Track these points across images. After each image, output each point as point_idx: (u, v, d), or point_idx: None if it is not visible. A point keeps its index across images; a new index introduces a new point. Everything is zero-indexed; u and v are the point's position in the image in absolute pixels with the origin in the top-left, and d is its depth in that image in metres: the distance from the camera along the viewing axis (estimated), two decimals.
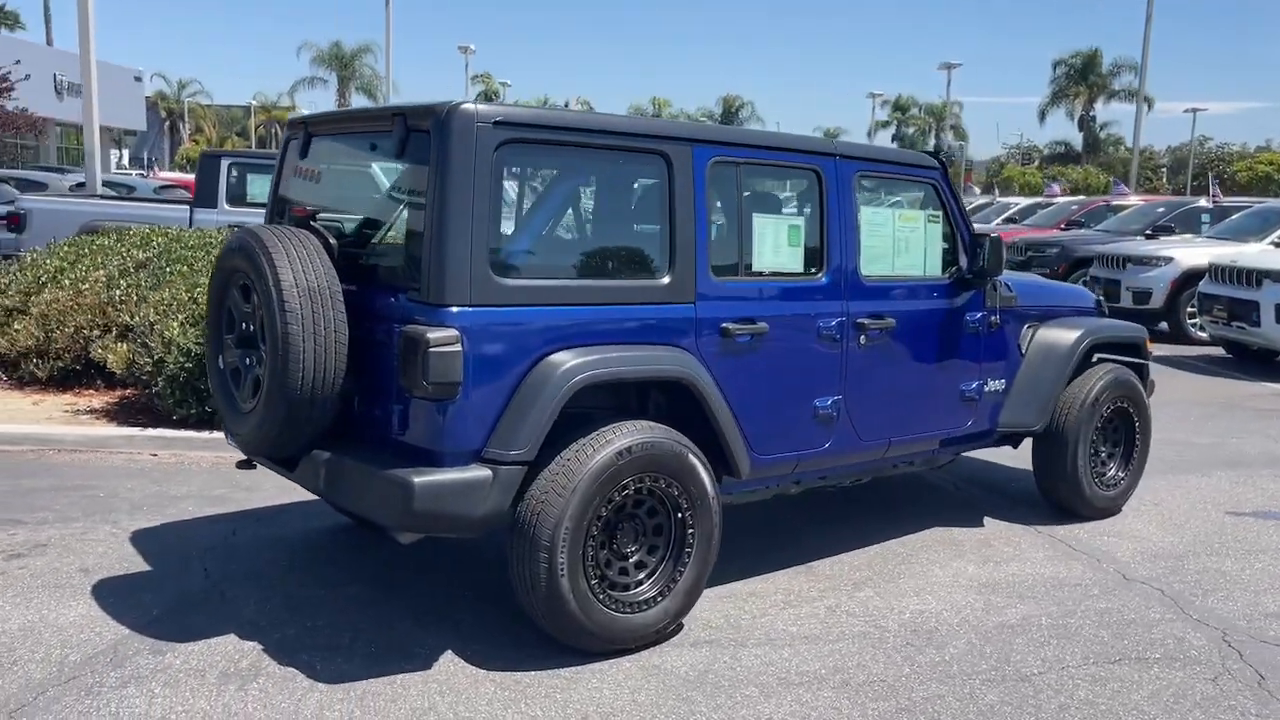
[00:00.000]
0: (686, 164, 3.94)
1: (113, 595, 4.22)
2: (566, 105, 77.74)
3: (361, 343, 3.61)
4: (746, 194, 4.25)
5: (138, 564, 4.59)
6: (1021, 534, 5.36)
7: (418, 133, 3.57)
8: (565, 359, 3.59)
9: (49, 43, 52.98)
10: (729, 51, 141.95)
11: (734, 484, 4.29)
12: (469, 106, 3.48)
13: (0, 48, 35.98)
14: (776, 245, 4.29)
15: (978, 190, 37.22)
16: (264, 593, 4.28)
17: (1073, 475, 5.46)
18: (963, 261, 4.98)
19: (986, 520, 5.56)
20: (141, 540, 4.87)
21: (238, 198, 11.03)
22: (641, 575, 3.85)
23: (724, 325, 4.04)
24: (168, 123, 74.49)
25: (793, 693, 3.56)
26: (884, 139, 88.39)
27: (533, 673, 3.62)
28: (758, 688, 3.59)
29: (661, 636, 3.88)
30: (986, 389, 5.15)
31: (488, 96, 67.73)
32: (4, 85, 31.90)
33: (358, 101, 70.60)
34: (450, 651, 3.77)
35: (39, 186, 16.69)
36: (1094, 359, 5.60)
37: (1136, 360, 5.85)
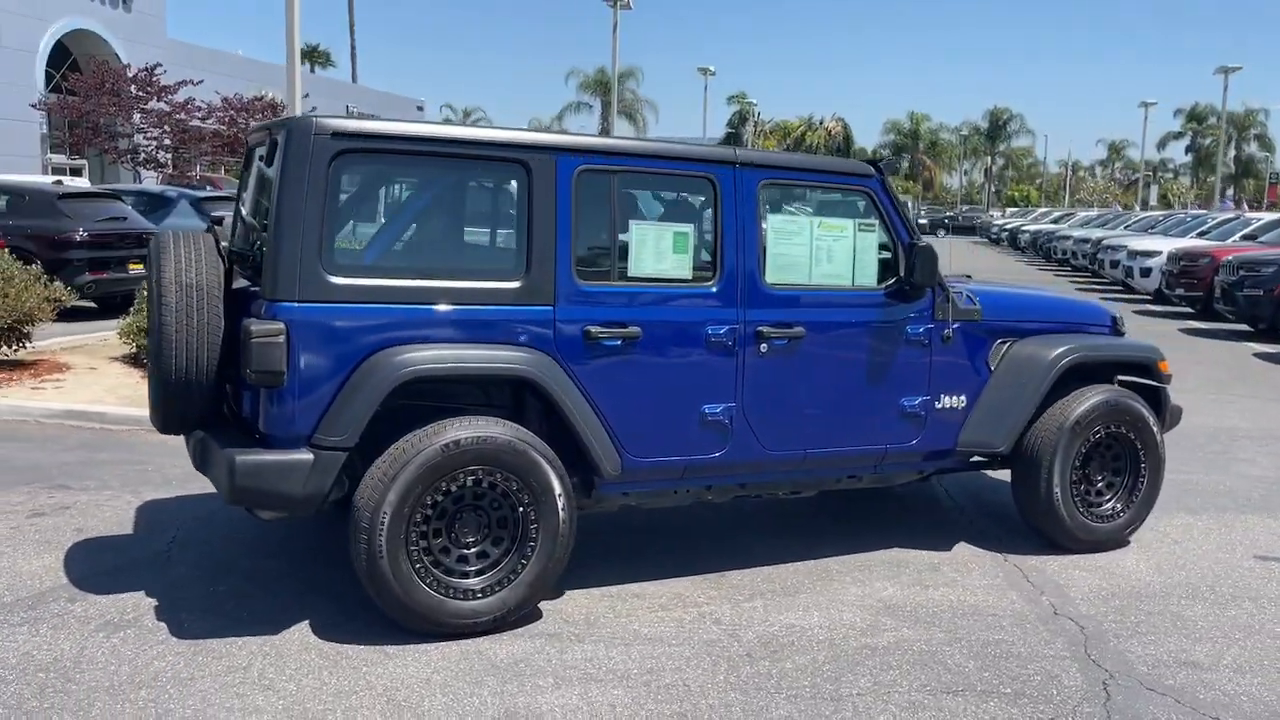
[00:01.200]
0: (548, 172, 4.09)
1: (81, 552, 4.84)
2: (821, 122, 77.67)
3: (235, 335, 4.00)
4: (624, 201, 4.33)
5: (125, 529, 5.21)
6: (983, 561, 5.07)
7: (275, 143, 3.93)
8: (395, 354, 3.83)
9: (354, 79, 59.70)
10: (999, 65, 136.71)
11: (619, 484, 4.37)
12: (309, 120, 3.81)
13: (302, 83, 40.28)
14: (659, 252, 4.34)
15: (1233, 205, 33.99)
16: (203, 560, 4.77)
17: (1047, 503, 5.10)
18: (903, 272, 4.81)
19: (960, 545, 5.28)
20: (145, 510, 5.51)
21: None
22: (481, 565, 4.01)
23: (587, 328, 4.14)
24: None
25: (584, 687, 3.63)
26: (1177, 151, 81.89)
27: (361, 647, 3.88)
28: (555, 679, 3.68)
29: (501, 624, 4.03)
30: (939, 405, 4.93)
31: (742, 117, 68.70)
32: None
33: (619, 125, 73.80)
34: (308, 623, 4.08)
35: None
36: (1090, 380, 5.21)
37: (1153, 383, 5.39)
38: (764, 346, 4.48)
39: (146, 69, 31.43)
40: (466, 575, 3.99)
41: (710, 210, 4.44)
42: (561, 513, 4.06)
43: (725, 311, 4.42)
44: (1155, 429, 5.28)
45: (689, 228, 4.43)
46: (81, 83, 30.66)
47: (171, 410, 4.10)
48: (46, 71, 34.49)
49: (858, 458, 4.85)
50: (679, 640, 4.05)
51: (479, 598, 3.98)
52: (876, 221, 4.79)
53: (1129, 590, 4.74)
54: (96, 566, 4.66)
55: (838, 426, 4.74)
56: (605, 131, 70.98)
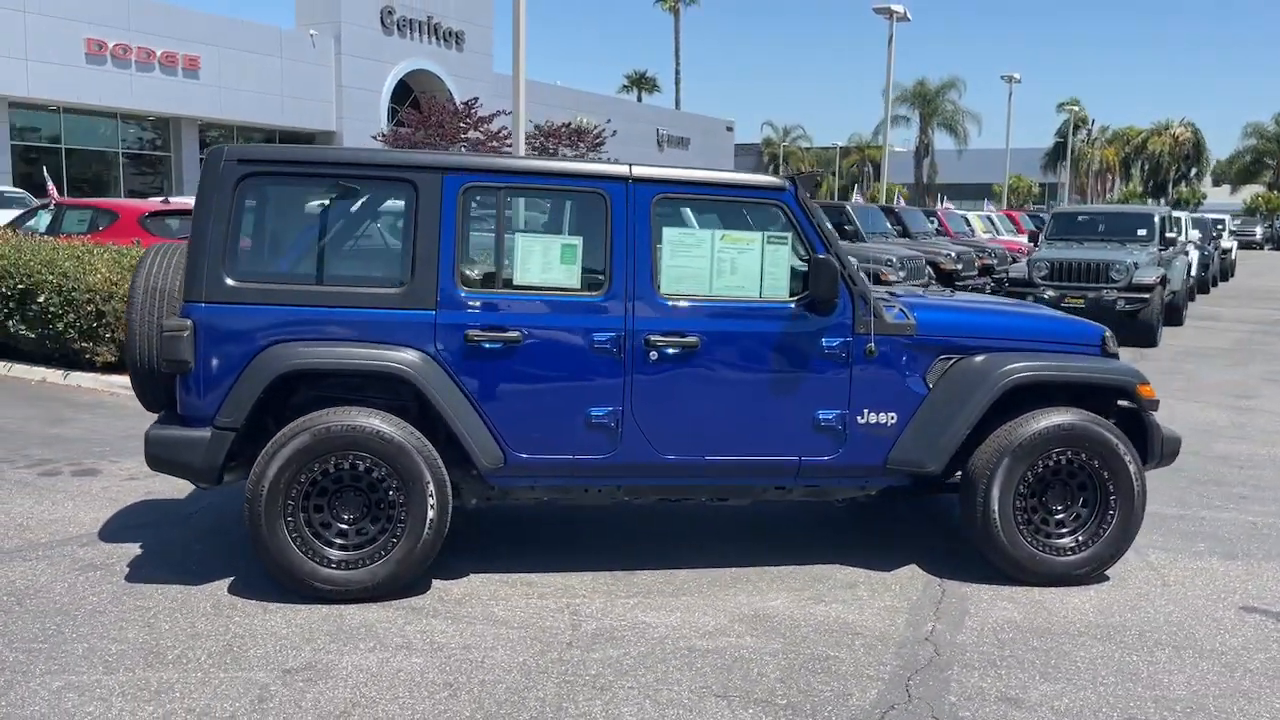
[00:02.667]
0: (434, 190, 4.53)
1: (133, 510, 5.83)
2: (1167, 128, 71.48)
3: None
4: (510, 215, 4.69)
5: (180, 494, 6.16)
6: (910, 583, 4.91)
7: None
8: (282, 350, 4.43)
9: (677, 105, 62.84)
10: None
11: (511, 477, 4.71)
12: (222, 148, 4.50)
13: (612, 108, 43.75)
14: (546, 262, 4.65)
15: None
16: (210, 526, 5.61)
17: (983, 530, 4.86)
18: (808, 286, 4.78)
19: (906, 567, 5.12)
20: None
21: None
22: (358, 540, 4.51)
23: (468, 331, 4.54)
24: (770, 165, 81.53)
25: (393, 653, 4.02)
26: None
27: (252, 602, 4.49)
28: (377, 643, 4.10)
29: (375, 595, 4.49)
30: (862, 420, 4.85)
31: (1074, 124, 64.62)
32: (596, 141, 38.11)
33: (939, 138, 71.95)
34: (232, 580, 4.74)
35: None
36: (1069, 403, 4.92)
37: (1141, 407, 4.97)
38: (654, 354, 4.66)
39: (465, 103, 34.75)
40: (345, 548, 4.50)
41: (601, 223, 4.68)
42: (430, 499, 4.47)
43: (612, 320, 4.64)
44: (1127, 458, 4.86)
45: (578, 240, 4.70)
46: (411, 117, 34.42)
47: (143, 392, 4.92)
48: (391, 107, 38.86)
49: (768, 467, 4.87)
50: (521, 624, 4.34)
51: (350, 568, 4.47)
52: (790, 235, 4.81)
53: (1041, 627, 4.44)
54: (129, 521, 5.62)
55: (740, 434, 4.80)
56: (924, 145, 69.80)
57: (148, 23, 31.62)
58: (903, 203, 40.15)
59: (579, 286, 4.67)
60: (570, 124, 37.90)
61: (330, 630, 4.22)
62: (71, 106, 31.62)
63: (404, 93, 40.02)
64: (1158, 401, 5.07)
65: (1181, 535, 5.72)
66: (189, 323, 4.42)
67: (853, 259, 4.96)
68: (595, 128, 40.84)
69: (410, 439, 4.46)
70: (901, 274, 14.03)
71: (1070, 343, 5.12)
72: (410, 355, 4.50)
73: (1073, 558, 4.91)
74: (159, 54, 32.14)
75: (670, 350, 4.67)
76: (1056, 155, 69.53)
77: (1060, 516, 4.95)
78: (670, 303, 4.69)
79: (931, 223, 21.71)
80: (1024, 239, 22.31)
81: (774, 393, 4.80)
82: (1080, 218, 16.52)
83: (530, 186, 4.76)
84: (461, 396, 4.55)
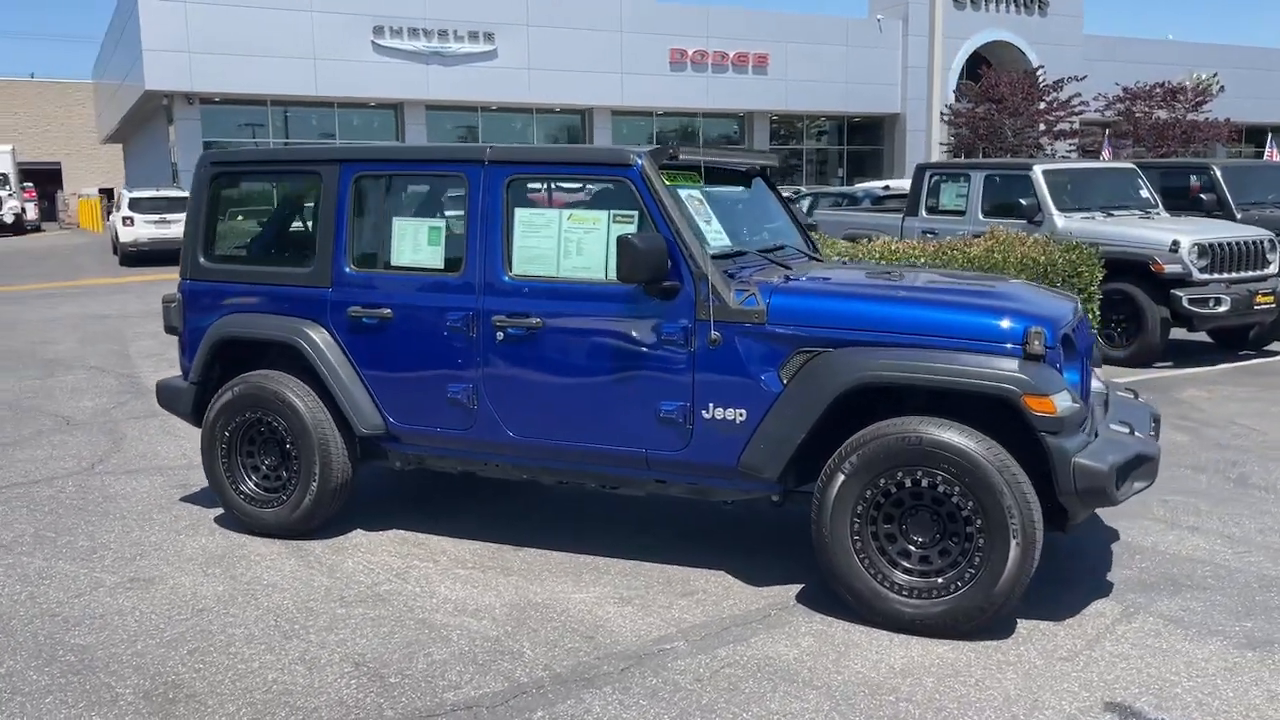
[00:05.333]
0: (333, 180, 5.09)
1: None
2: None
3: None
4: (391, 200, 5.04)
5: None
6: (755, 600, 4.36)
7: None
8: (224, 320, 5.33)
9: None
10: None
11: (396, 443, 5.09)
12: (206, 152, 5.50)
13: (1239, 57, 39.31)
14: (416, 245, 4.95)
15: None
16: None
17: (819, 554, 4.16)
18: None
19: (792, 588, 4.54)
20: None
21: (932, 207, 11.93)
22: (274, 484, 5.26)
23: (350, 308, 5.05)
24: None
25: (189, 577, 4.72)
26: None
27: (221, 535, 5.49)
28: (202, 575, 4.84)
29: (286, 534, 5.18)
30: (708, 416, 4.42)
31: None
32: (1198, 99, 33.85)
33: None
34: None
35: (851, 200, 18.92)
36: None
37: (1033, 425, 3.88)
38: (500, 335, 4.73)
39: (1028, 72, 32.94)
40: (268, 489, 5.27)
41: (462, 206, 4.85)
42: (318, 447, 5.04)
43: (466, 299, 4.80)
44: (1005, 488, 3.81)
45: (441, 222, 4.92)
46: (970, 91, 33.47)
47: None
48: (962, 84, 38.03)
49: (616, 458, 4.64)
50: (332, 576, 4.71)
51: (267, 506, 5.23)
52: (636, 213, 4.53)
53: (791, 672, 3.75)
54: None
55: (583, 421, 4.65)
56: None
57: (724, 28, 34.67)
58: None
59: (442, 267, 4.90)
60: (1166, 83, 34.02)
61: (209, 553, 5.04)
62: (662, 111, 35.86)
63: (971, 66, 38.79)
64: (1063, 419, 3.85)
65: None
66: (178, 295, 5.51)
67: (690, 232, 4.45)
68: (1200, 83, 36.21)
69: (302, 402, 5.08)
70: None
71: (967, 338, 4.08)
72: (311, 328, 5.11)
73: (919, 602, 3.99)
74: (732, 55, 35.12)
75: (515, 331, 4.70)
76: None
77: (918, 548, 4.04)
78: (517, 284, 4.71)
79: None
80: None
81: (616, 380, 4.57)
82: None
83: (407, 173, 5.07)
84: (350, 368, 5.06)
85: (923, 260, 8.07)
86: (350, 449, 5.14)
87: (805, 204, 18.01)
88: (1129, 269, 9.78)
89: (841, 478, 4.08)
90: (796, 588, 4.49)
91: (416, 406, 4.97)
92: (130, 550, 5.11)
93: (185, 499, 5.93)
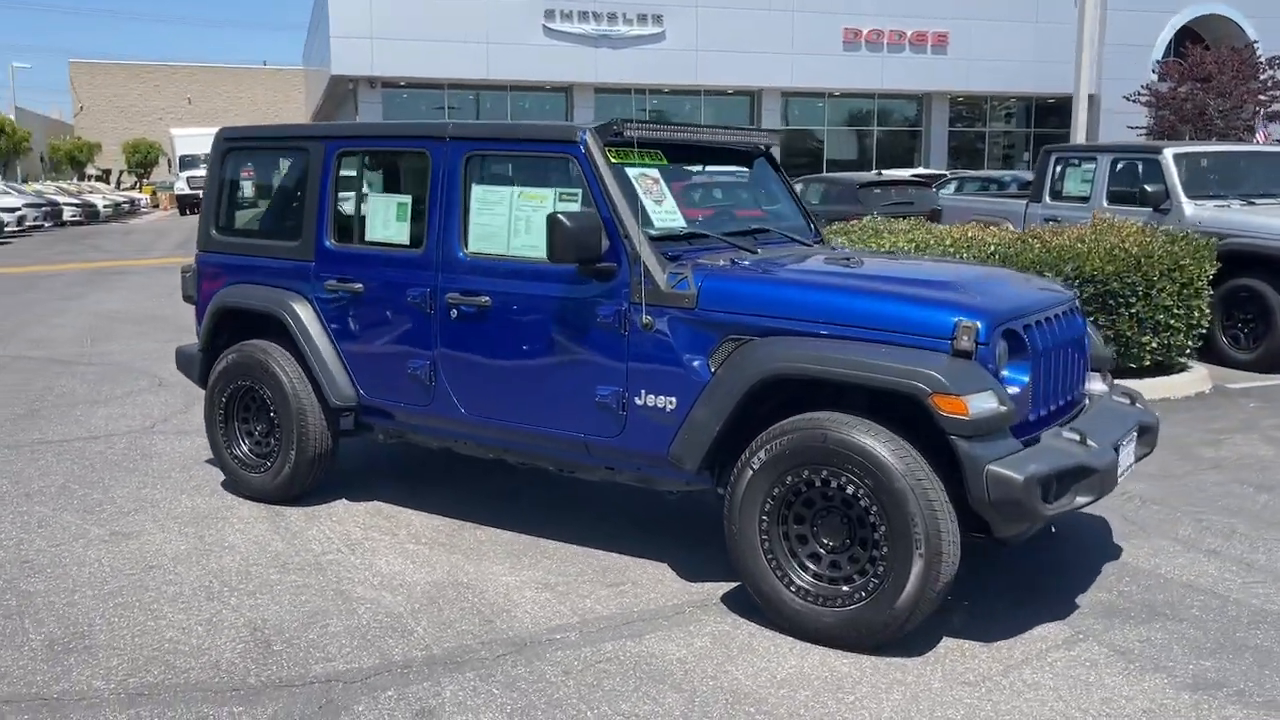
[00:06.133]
0: (319, 156, 5.20)
1: None
2: None
3: None
4: (368, 177, 5.09)
5: None
6: (675, 595, 4.20)
7: None
8: (227, 289, 5.54)
9: None
10: None
11: (371, 415, 5.17)
12: (222, 128, 5.72)
13: None
14: (386, 220, 5.00)
15: None
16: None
17: (731, 552, 3.96)
18: (604, 244, 4.33)
19: (727, 587, 4.35)
20: None
21: (1057, 192, 11.15)
22: (263, 448, 5.44)
23: (328, 281, 5.15)
24: None
25: (161, 535, 4.94)
26: None
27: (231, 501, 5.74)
28: (177, 533, 5.05)
29: (272, 498, 5.37)
30: (640, 403, 4.27)
31: None
32: None
33: None
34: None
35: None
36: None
37: (942, 426, 3.56)
38: (454, 312, 4.72)
39: (1234, 49, 30.39)
40: (259, 454, 5.45)
41: (425, 182, 4.85)
42: (294, 415, 5.16)
43: (425, 276, 4.81)
44: (912, 492, 3.51)
45: (408, 199, 4.93)
46: (1173, 69, 31.09)
47: None
48: (1166, 61, 35.46)
49: (559, 442, 4.55)
50: (289, 543, 4.83)
51: (256, 471, 5.42)
52: (580, 191, 4.41)
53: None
54: None
55: (528, 403, 4.58)
56: None
57: (901, 6, 33.47)
58: None
59: (408, 243, 4.92)
60: None
61: (188, 512, 5.26)
62: (839, 91, 35.02)
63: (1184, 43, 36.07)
64: (976, 422, 3.49)
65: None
66: (194, 265, 5.77)
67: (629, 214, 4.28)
68: None
69: (284, 372, 5.22)
70: None
71: (894, 330, 3.75)
72: (295, 301, 5.24)
73: (821, 610, 3.73)
74: (909, 34, 33.90)
75: (467, 309, 4.67)
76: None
77: (827, 551, 3.78)
78: (472, 261, 4.68)
79: None
80: None
81: (557, 362, 4.48)
82: None
83: (381, 149, 5.10)
84: (328, 341, 5.16)
85: (949, 246, 7.54)
86: (330, 420, 5.24)
87: (951, 187, 17.20)
88: (1259, 263, 8.86)
89: (750, 473, 3.86)
90: (728, 586, 4.28)
91: (383, 381, 5.02)
92: (130, 505, 5.40)
93: (210, 461, 6.20)
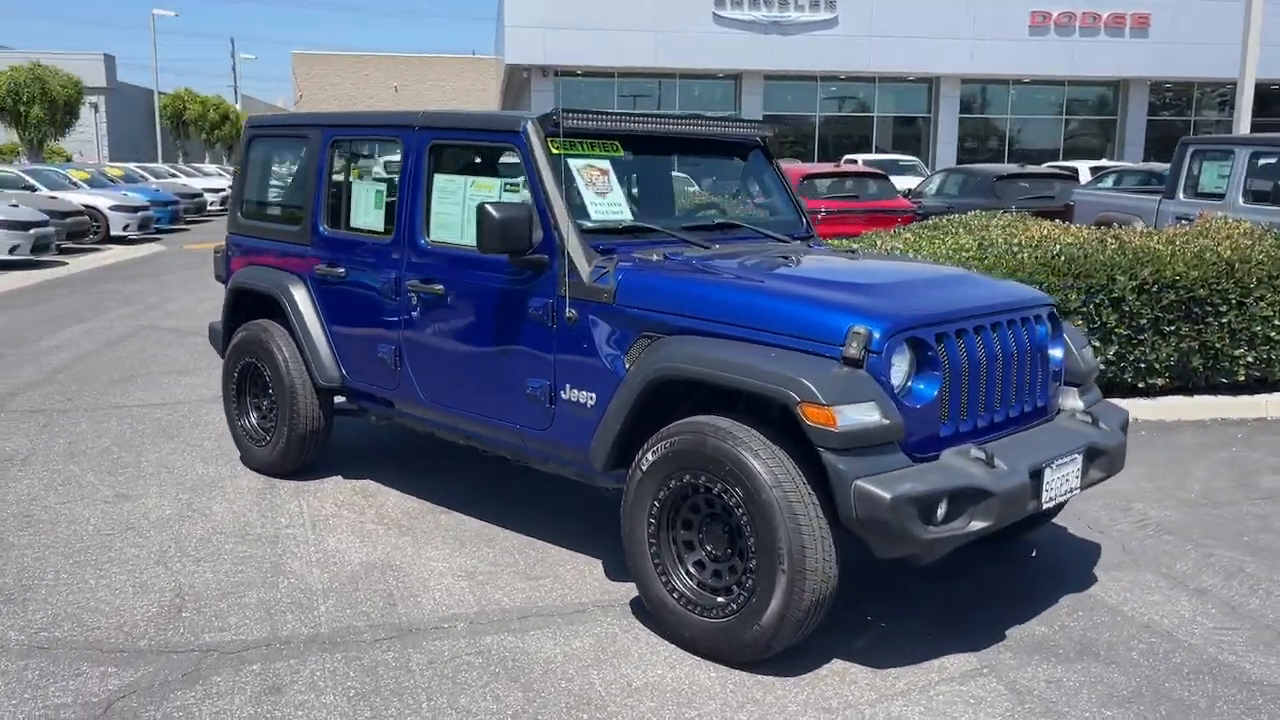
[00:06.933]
0: (316, 144, 5.38)
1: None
2: None
3: None
4: (355, 164, 5.22)
5: None
6: (593, 589, 4.15)
7: None
8: (241, 271, 5.82)
9: None
10: None
11: (357, 396, 5.34)
12: (250, 118, 5.99)
13: None
14: (366, 207, 5.12)
15: None
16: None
17: (626, 558, 3.87)
18: (537, 236, 4.30)
19: None
20: None
21: (1192, 188, 10.28)
22: (266, 424, 5.70)
23: (317, 266, 5.33)
24: None
25: (148, 499, 5.24)
26: None
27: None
28: (162, 495, 5.35)
29: (276, 472, 5.61)
30: (565, 397, 4.24)
31: None
32: None
33: None
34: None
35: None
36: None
37: (811, 437, 3.36)
38: (414, 299, 4.81)
39: None
40: (264, 428, 5.71)
41: (398, 170, 4.94)
42: (288, 394, 5.38)
43: (393, 262, 4.91)
44: (774, 504, 3.34)
45: (384, 186, 5.03)
46: None
47: None
48: None
49: (501, 432, 4.56)
50: (262, 515, 5.05)
51: (259, 444, 5.68)
52: (522, 180, 4.40)
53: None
54: None
55: (471, 393, 4.61)
56: None
57: None
58: None
59: (381, 230, 5.03)
60: None
61: (207, 482, 5.56)
62: (1028, 79, 33.36)
63: None
64: (845, 434, 3.26)
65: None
66: (224, 245, 6.09)
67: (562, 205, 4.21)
68: None
69: (280, 352, 5.43)
70: None
71: (790, 334, 3.55)
72: (293, 284, 5.45)
73: (696, 620, 3.61)
74: (1105, 16, 31.90)
75: (426, 297, 4.74)
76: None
77: (718, 567, 3.63)
78: (431, 249, 4.74)
79: None
80: None
81: (496, 352, 4.49)
82: None
83: (366, 138, 5.21)
84: (318, 322, 5.35)
85: (1009, 247, 7.02)
86: (322, 400, 5.43)
87: (1110, 180, 16.10)
88: None
89: (639, 475, 3.76)
90: None
91: (361, 365, 5.16)
92: (150, 470, 5.77)
93: None
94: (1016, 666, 3.59)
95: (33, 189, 19.83)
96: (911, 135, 34.15)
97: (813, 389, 3.31)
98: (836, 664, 3.59)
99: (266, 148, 5.96)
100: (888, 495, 3.23)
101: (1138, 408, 6.99)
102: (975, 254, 7.01)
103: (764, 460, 3.39)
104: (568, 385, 4.20)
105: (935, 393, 3.55)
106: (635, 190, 4.92)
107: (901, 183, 19.34)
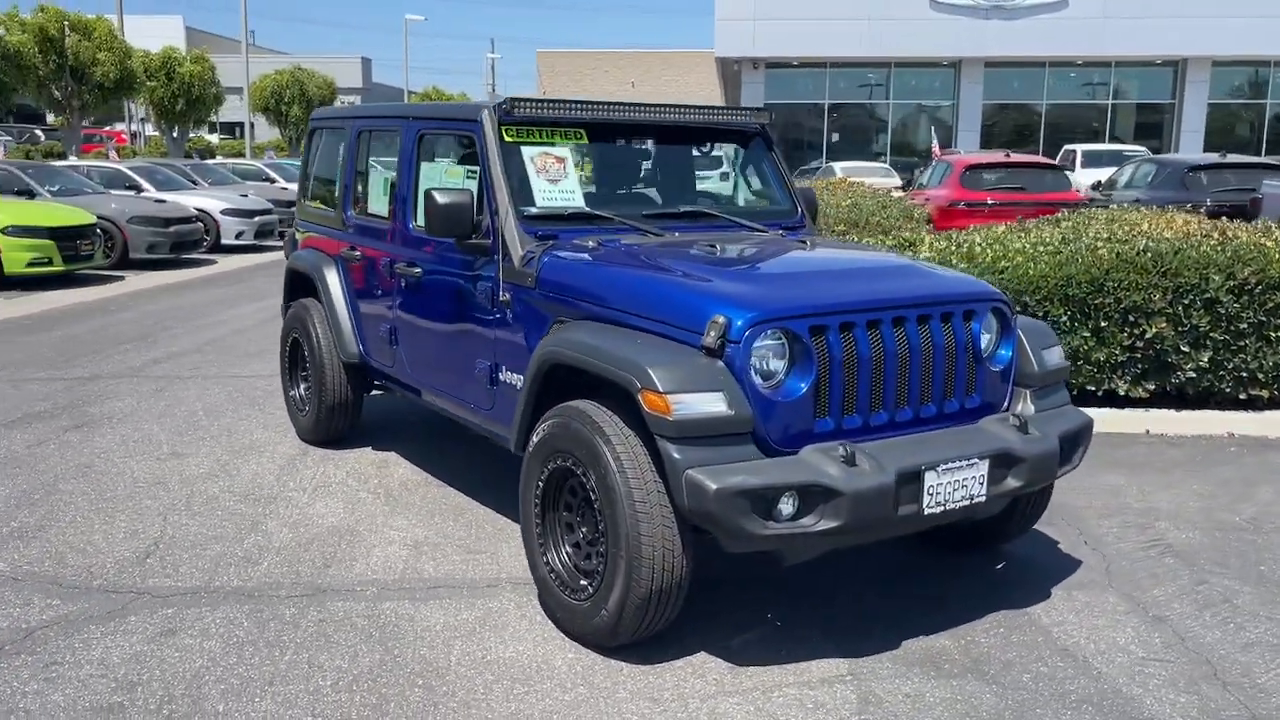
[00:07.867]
0: (349, 135, 5.72)
1: None
2: None
3: None
4: (373, 153, 5.51)
5: None
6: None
7: None
8: (296, 254, 6.27)
9: None
10: None
11: (373, 371, 5.66)
12: (315, 111, 6.43)
13: None
14: (378, 194, 5.42)
15: None
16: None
17: (523, 536, 3.95)
18: (483, 221, 4.44)
19: None
20: None
21: None
22: (309, 393, 6.12)
23: (344, 249, 5.69)
24: None
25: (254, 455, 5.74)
26: None
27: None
28: (236, 453, 5.84)
29: (314, 440, 6.05)
30: (503, 378, 4.36)
31: None
32: None
33: None
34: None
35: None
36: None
37: (651, 426, 3.33)
38: (402, 282, 5.06)
39: None
40: (306, 398, 6.15)
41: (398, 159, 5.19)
42: (319, 368, 5.77)
43: (390, 246, 5.19)
44: (619, 488, 3.33)
45: (391, 175, 5.29)
46: None
47: None
48: None
49: (462, 410, 4.74)
50: (279, 479, 5.44)
51: (302, 413, 6.12)
52: (479, 168, 4.54)
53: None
54: None
55: (438, 372, 4.82)
56: None
57: None
58: None
59: (386, 215, 5.31)
60: None
61: (249, 446, 6.05)
62: None
63: None
64: (681, 423, 3.18)
65: None
66: (292, 232, 6.58)
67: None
68: None
69: (315, 329, 5.82)
70: None
71: (667, 322, 3.51)
72: (327, 266, 5.84)
73: (564, 600, 3.64)
74: None
75: (409, 279, 4.98)
76: None
77: (589, 550, 3.65)
78: (415, 234, 4.97)
79: None
80: None
81: (455, 335, 4.67)
82: None
83: (381, 128, 5.46)
84: (345, 302, 5.71)
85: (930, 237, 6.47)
86: (351, 375, 5.78)
87: None
88: None
89: (526, 456, 3.83)
90: None
91: (372, 341, 5.47)
92: (214, 433, 6.33)
93: None
94: (887, 677, 3.41)
95: (271, 180, 21.90)
96: (1153, 123, 31.69)
97: (652, 376, 3.27)
98: (699, 657, 3.53)
99: (321, 139, 6.38)
100: (713, 486, 3.15)
101: (1236, 420, 6.34)
102: (1052, 249, 6.54)
103: (613, 445, 3.38)
104: (503, 366, 4.32)
105: (806, 386, 3.41)
106: (602, 176, 4.96)
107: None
